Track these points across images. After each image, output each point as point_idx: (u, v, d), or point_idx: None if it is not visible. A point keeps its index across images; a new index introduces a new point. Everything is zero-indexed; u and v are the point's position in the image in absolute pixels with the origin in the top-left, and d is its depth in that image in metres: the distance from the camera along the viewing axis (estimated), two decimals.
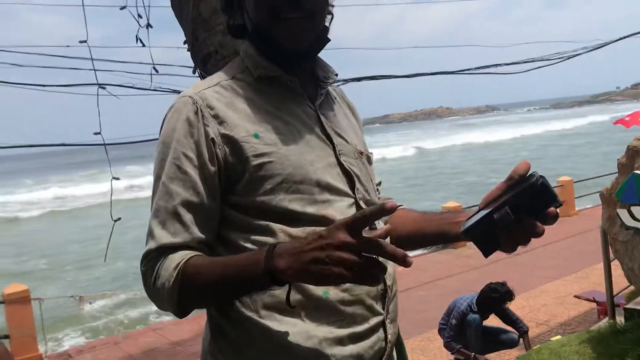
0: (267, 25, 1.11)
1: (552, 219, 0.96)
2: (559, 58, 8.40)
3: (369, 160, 1.26)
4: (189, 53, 1.78)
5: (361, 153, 1.22)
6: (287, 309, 1.02)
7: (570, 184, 11.80)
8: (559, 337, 5.24)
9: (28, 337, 6.77)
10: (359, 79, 7.76)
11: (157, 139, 1.13)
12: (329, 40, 1.20)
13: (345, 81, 8.03)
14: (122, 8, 2.09)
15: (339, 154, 1.15)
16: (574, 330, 5.61)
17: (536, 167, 0.97)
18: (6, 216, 27.43)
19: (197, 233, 1.05)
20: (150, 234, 1.05)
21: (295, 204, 1.06)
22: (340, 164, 1.14)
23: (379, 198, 1.32)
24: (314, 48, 1.18)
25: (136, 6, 2.01)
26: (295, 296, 1.04)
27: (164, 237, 1.03)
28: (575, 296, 6.75)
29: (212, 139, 1.06)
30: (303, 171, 1.06)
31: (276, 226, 1.05)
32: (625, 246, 4.06)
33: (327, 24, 1.19)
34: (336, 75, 1.23)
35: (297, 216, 1.06)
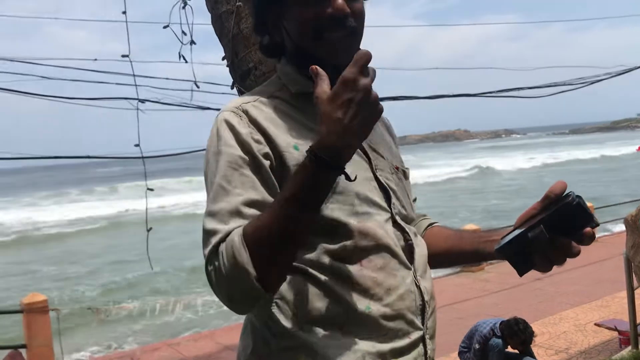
0: (311, 44, 1.13)
1: (589, 239, 0.97)
2: (582, 83, 8.37)
3: (405, 175, 1.27)
4: (227, 69, 1.82)
5: (397, 168, 1.23)
6: (329, 323, 1.03)
7: (591, 210, 11.67)
8: None
9: (44, 347, 6.81)
10: (381, 100, 7.79)
11: (195, 151, 1.15)
12: None
13: None
14: (166, 27, 2.14)
15: (376, 169, 1.16)
16: (595, 359, 5.51)
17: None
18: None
19: None
20: (211, 234, 1.01)
21: (338, 213, 1.07)
22: (376, 178, 1.15)
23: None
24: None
25: (180, 23, 2.06)
26: (337, 309, 1.05)
27: (226, 228, 1.00)
28: (596, 324, 6.64)
29: (261, 145, 1.07)
30: (343, 183, 1.07)
31: (319, 241, 1.06)
32: None
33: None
34: None
35: (339, 226, 1.06)
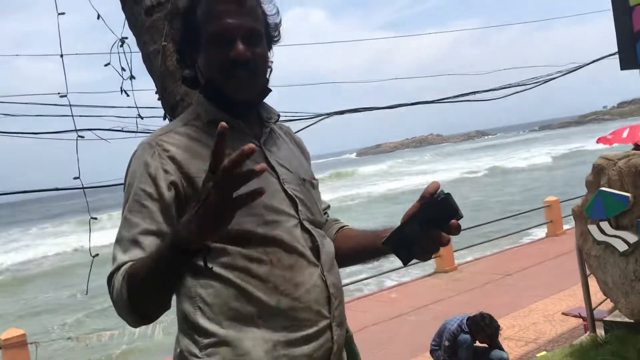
0: (219, 81, 1.31)
1: (455, 229, 1.17)
2: (535, 83, 8.66)
3: (313, 185, 1.45)
4: (159, 102, 2.00)
5: (304, 180, 1.40)
6: (246, 319, 1.21)
7: (557, 204, 11.98)
8: (544, 353, 5.36)
9: None
10: (342, 112, 7.99)
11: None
12: (271, 90, 1.41)
13: (329, 114, 8.27)
14: (107, 65, 2.30)
15: (283, 182, 1.33)
16: (562, 347, 5.73)
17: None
18: None
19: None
20: (113, 259, 1.21)
21: (247, 225, 1.23)
22: (284, 190, 1.32)
23: (326, 220, 1.51)
24: (258, 97, 1.39)
25: (119, 59, 2.22)
26: (252, 308, 1.22)
27: (124, 258, 1.19)
28: (563, 313, 6.88)
29: (169, 176, 1.23)
30: None
31: (232, 248, 1.22)
32: (598, 261, 4.22)
33: (268, 76, 1.40)
34: (278, 115, 1.44)
35: (250, 235, 1.23)
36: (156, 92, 2.02)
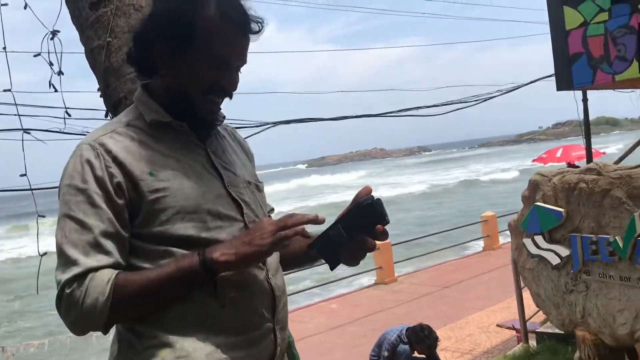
0: (197, 99, 1.27)
1: (382, 234, 1.18)
2: (475, 101, 8.96)
3: (259, 188, 1.43)
4: (101, 99, 1.94)
5: (249, 183, 1.38)
6: (188, 321, 1.19)
7: (494, 219, 12.34)
8: None
9: None
10: (287, 122, 8.00)
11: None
12: None
13: (275, 123, 8.26)
14: (36, 55, 2.20)
15: (228, 185, 1.30)
16: (496, 358, 5.88)
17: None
18: None
19: (119, 259, 1.16)
20: (71, 262, 1.13)
21: (191, 231, 1.20)
22: (229, 194, 1.30)
23: None
24: None
25: (48, 52, 2.12)
26: (195, 310, 1.19)
27: (89, 262, 1.13)
28: (497, 325, 7.08)
29: (115, 178, 1.18)
30: (195, 202, 1.22)
31: (176, 250, 1.19)
32: (532, 273, 4.36)
33: None
34: (224, 117, 1.41)
35: (193, 241, 1.20)
36: (98, 89, 1.96)
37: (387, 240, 10.61)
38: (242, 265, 1.17)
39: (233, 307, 1.21)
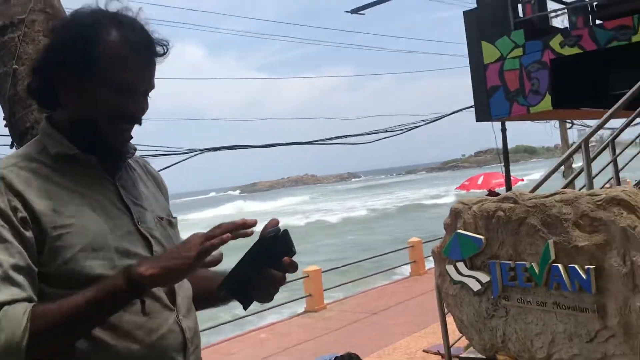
0: (104, 127, 1.22)
1: (291, 267, 1.16)
2: (401, 130, 9.22)
3: (171, 224, 1.38)
4: (6, 129, 1.85)
5: (161, 218, 1.34)
6: None
7: (420, 244, 12.61)
8: None
9: None
10: (215, 149, 7.91)
11: None
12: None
13: (202, 151, 8.15)
14: None
15: (137, 221, 1.26)
16: None
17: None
18: None
19: (32, 294, 1.09)
20: None
21: (97, 269, 1.15)
22: (138, 230, 1.25)
23: None
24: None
25: None
26: (101, 354, 1.13)
27: (1, 296, 1.05)
28: (424, 351, 7.17)
29: (19, 212, 1.12)
30: (102, 239, 1.17)
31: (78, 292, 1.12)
32: (454, 299, 4.46)
33: None
34: (135, 149, 1.36)
35: (99, 280, 1.13)
36: (4, 118, 1.86)
37: (318, 267, 10.65)
38: (168, 278, 1.12)
39: (140, 351, 1.16)
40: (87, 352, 1.12)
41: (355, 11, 10.91)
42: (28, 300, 1.08)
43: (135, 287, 1.08)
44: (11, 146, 1.89)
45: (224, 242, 1.09)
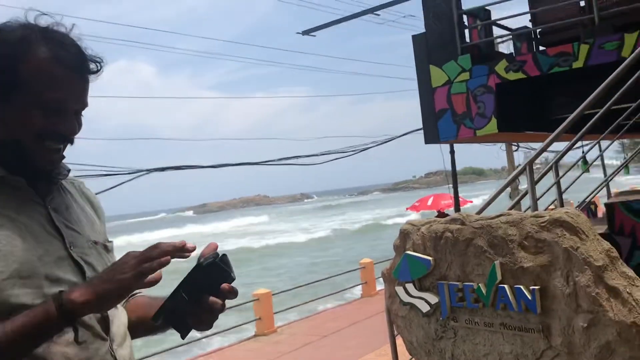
0: (31, 147, 1.16)
1: (230, 293, 1.11)
2: (353, 151, 9.27)
3: (107, 248, 1.32)
4: None
5: (96, 242, 1.27)
6: None
7: (371, 265, 12.64)
8: None
9: None
10: (163, 169, 7.75)
11: None
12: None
13: (149, 171, 7.97)
14: None
15: (70, 246, 1.19)
16: None
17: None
18: None
19: None
20: None
21: (24, 298, 1.07)
22: (70, 256, 1.18)
23: None
24: None
25: None
26: None
27: None
28: None
29: None
30: (30, 266, 1.09)
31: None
32: (404, 321, 4.44)
33: None
34: (68, 170, 1.29)
35: (26, 309, 1.06)
36: None
37: (268, 290, 10.52)
38: (103, 304, 1.05)
39: None
40: None
41: (306, 32, 10.99)
42: None
43: (67, 314, 1.02)
44: None
45: (162, 265, 1.03)
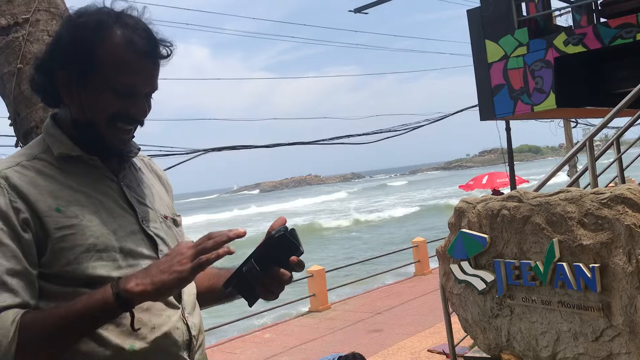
0: (104, 129, 1.22)
1: (298, 266, 1.15)
2: (405, 129, 9.19)
3: (175, 222, 1.38)
4: (11, 127, 1.85)
5: (166, 217, 1.34)
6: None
7: (424, 244, 12.59)
8: None
9: None
10: (219, 149, 7.91)
11: None
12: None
13: (206, 151, 8.16)
14: None
15: (142, 221, 1.26)
16: None
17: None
18: None
19: (27, 298, 1.09)
20: None
21: (101, 270, 1.15)
22: (143, 230, 1.25)
23: None
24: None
25: None
26: (103, 350, 1.13)
27: None
28: (428, 350, 7.15)
29: (22, 213, 1.12)
30: (106, 240, 1.16)
31: (84, 291, 1.12)
32: (459, 299, 4.45)
33: None
34: (139, 149, 1.36)
35: (103, 281, 1.13)
36: (9, 117, 1.87)
37: (321, 267, 10.65)
38: (160, 294, 1.08)
39: (143, 348, 1.16)
40: (89, 351, 1.12)
41: (358, 10, 10.90)
42: (22, 305, 1.08)
43: (123, 303, 1.07)
44: (16, 145, 1.90)
45: (220, 257, 1.07)
